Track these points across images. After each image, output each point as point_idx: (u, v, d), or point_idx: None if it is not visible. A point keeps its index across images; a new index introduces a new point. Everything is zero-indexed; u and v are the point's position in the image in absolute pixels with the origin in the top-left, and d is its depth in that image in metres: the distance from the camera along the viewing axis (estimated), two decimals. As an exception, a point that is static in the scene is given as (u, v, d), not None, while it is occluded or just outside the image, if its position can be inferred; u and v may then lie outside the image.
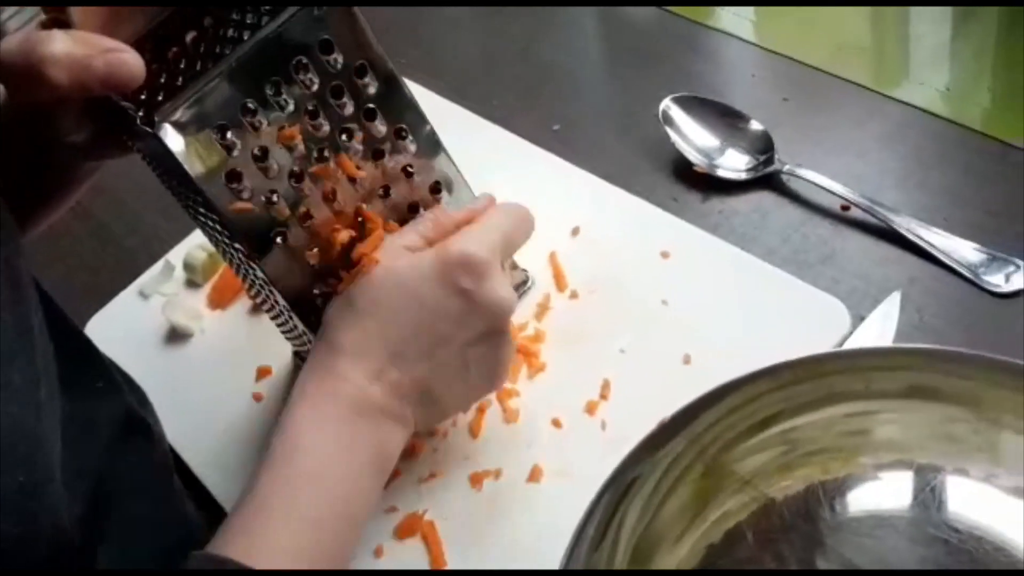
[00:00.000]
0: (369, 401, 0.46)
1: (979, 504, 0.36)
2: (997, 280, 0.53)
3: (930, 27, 0.69)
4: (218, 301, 0.68)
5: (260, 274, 0.48)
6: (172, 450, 0.60)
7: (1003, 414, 0.37)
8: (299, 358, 0.61)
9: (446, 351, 0.47)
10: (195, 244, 0.70)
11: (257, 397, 0.61)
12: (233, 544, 0.41)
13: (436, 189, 0.52)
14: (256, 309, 0.66)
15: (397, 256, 0.47)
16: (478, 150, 0.57)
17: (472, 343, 0.47)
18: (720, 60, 0.73)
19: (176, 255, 0.72)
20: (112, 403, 0.50)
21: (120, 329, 0.70)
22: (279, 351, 0.62)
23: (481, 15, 0.86)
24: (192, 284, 0.70)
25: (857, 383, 0.38)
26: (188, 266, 0.69)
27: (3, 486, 0.34)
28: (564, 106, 0.74)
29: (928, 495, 0.36)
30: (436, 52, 0.84)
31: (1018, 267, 0.53)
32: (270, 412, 0.60)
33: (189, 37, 0.46)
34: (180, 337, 0.67)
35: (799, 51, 0.69)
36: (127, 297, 0.71)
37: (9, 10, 1.03)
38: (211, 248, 0.69)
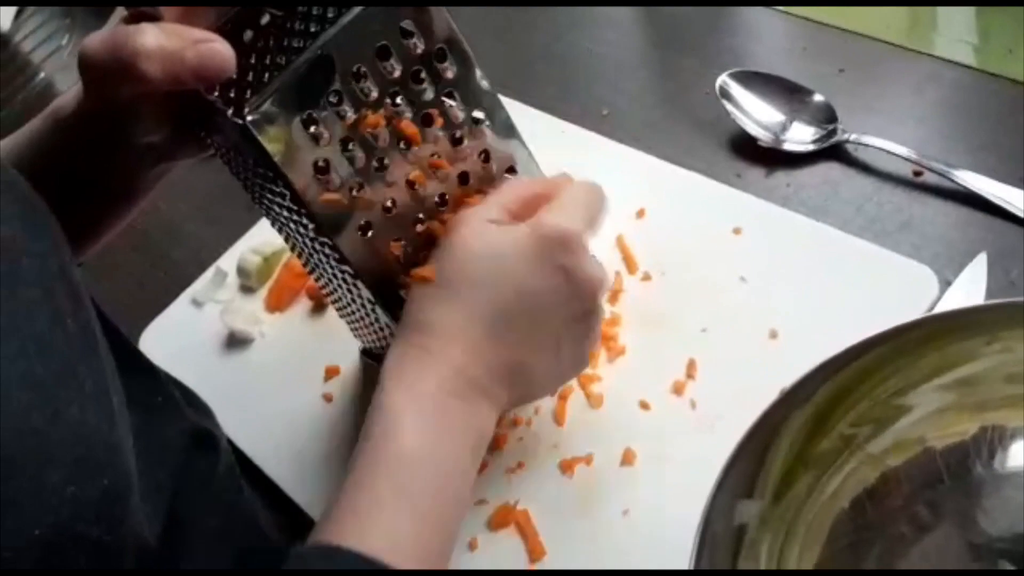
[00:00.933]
0: (465, 380, 0.44)
1: None
2: (1084, 236, 0.52)
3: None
4: (276, 304, 0.66)
5: (344, 267, 0.47)
6: (244, 456, 0.59)
7: None
8: (368, 356, 0.60)
9: (542, 330, 0.46)
10: (247, 248, 0.69)
11: (327, 397, 0.60)
12: (343, 532, 0.40)
13: (512, 172, 0.51)
14: (317, 309, 0.66)
15: (483, 230, 0.45)
16: (530, 138, 0.56)
17: (567, 321, 0.46)
18: (767, 36, 0.72)
19: (226, 261, 0.71)
20: (175, 418, 0.48)
21: (176, 340, 0.69)
22: (345, 350, 0.61)
23: (509, 13, 0.85)
24: (246, 289, 0.69)
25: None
26: (242, 271, 0.68)
27: (87, 491, 0.33)
28: (609, 92, 0.73)
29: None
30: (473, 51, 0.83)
31: (1104, 221, 0.52)
32: (342, 412, 0.59)
33: (256, 33, 0.46)
34: (240, 343, 0.66)
35: (848, 21, 0.69)
36: (180, 307, 0.70)
37: (28, 10, 1.02)
38: (265, 252, 0.68)
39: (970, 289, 0.52)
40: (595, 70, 0.76)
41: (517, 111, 0.71)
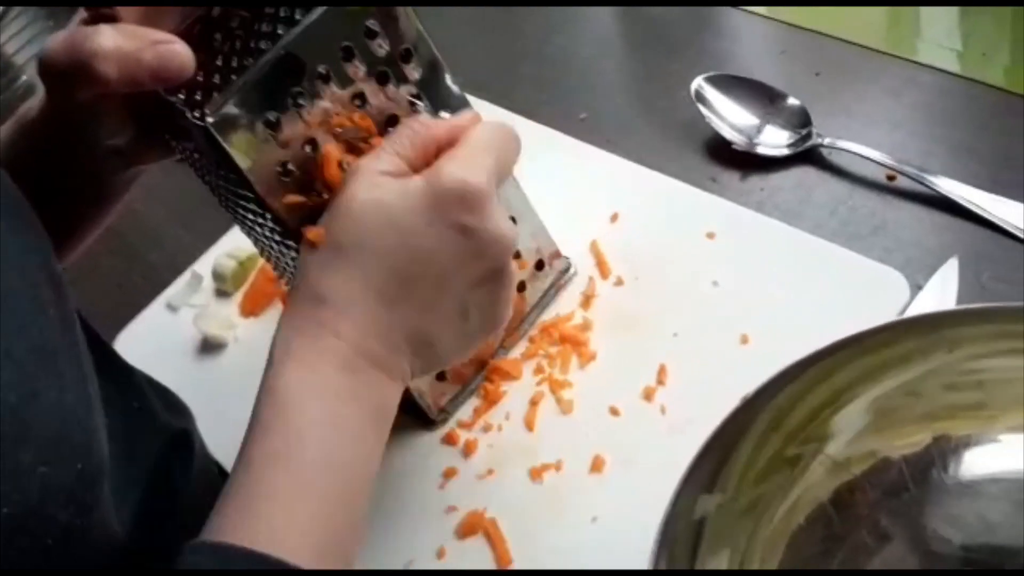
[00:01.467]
0: (362, 355, 0.41)
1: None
2: (1056, 241, 0.52)
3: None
4: (251, 309, 0.66)
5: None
6: (215, 462, 0.59)
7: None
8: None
9: (444, 295, 0.42)
10: (222, 253, 0.69)
11: (300, 403, 0.59)
12: (236, 529, 0.37)
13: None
14: (291, 315, 0.65)
15: (376, 185, 0.41)
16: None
17: (471, 284, 0.43)
18: (746, 39, 0.72)
19: (202, 265, 0.71)
20: (151, 421, 0.48)
21: (150, 343, 0.68)
22: (318, 356, 0.61)
23: (492, 15, 0.85)
24: (222, 293, 0.68)
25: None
26: (217, 275, 0.68)
27: (60, 473, 0.33)
28: (588, 95, 0.73)
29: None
30: (452, 52, 0.83)
31: (1076, 226, 0.52)
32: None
33: (223, 35, 0.45)
34: (214, 347, 0.65)
35: (828, 25, 0.68)
36: (155, 311, 0.70)
37: (14, 10, 1.02)
38: (240, 256, 0.68)
39: (941, 294, 0.51)
40: (576, 73, 0.76)
41: (495, 115, 0.72)
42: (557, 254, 0.58)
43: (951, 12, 0.67)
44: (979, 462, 0.37)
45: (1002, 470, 0.36)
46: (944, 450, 0.36)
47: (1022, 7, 0.64)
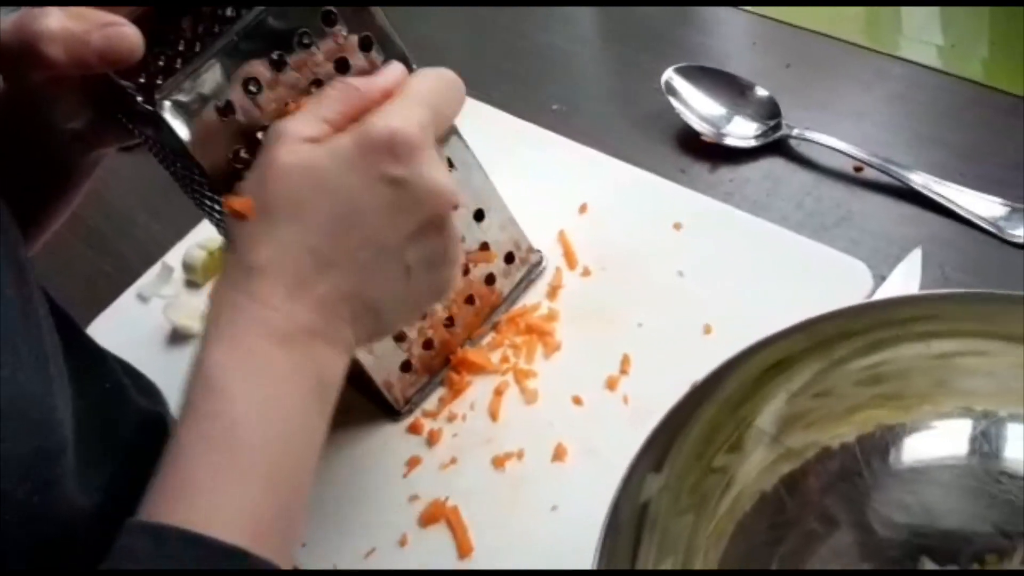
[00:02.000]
0: (297, 325, 0.38)
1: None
2: (1020, 232, 0.52)
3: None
4: (220, 299, 0.66)
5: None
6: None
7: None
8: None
9: (380, 254, 0.40)
10: (193, 244, 0.69)
11: (266, 393, 0.59)
12: (172, 511, 0.35)
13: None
14: (260, 305, 0.65)
15: (297, 149, 0.39)
16: (479, 134, 0.56)
17: (410, 241, 0.41)
18: (719, 32, 0.72)
19: (173, 257, 0.71)
20: (122, 403, 0.48)
21: (120, 333, 0.68)
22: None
23: (465, 10, 0.85)
24: (192, 284, 0.68)
25: (898, 329, 0.37)
26: (187, 266, 0.68)
27: (20, 448, 0.33)
28: (562, 87, 0.73)
29: (980, 443, 0.35)
30: (427, 48, 0.82)
31: (1040, 217, 0.52)
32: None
33: (186, 21, 0.45)
34: (183, 338, 0.65)
35: (799, 18, 0.68)
36: (126, 301, 0.70)
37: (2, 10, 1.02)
38: (210, 247, 0.68)
39: (904, 284, 0.51)
40: (551, 66, 0.76)
41: (467, 107, 0.71)
42: (530, 248, 0.58)
43: (932, 7, 0.67)
44: (918, 449, 0.37)
45: (939, 456, 0.36)
46: (884, 438, 0.36)
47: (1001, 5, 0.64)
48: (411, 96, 0.41)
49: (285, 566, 0.36)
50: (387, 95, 0.41)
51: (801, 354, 0.38)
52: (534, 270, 0.59)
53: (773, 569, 0.38)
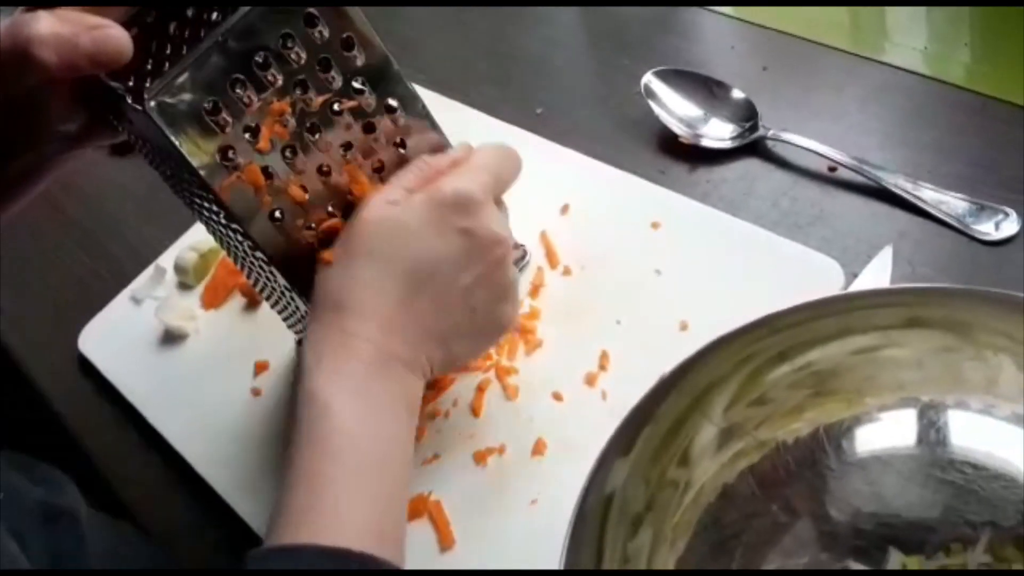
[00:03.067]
0: (386, 355, 0.44)
1: (980, 436, 0.37)
2: (987, 229, 0.53)
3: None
4: (211, 301, 0.67)
5: (258, 254, 0.47)
6: (176, 453, 0.60)
7: (997, 341, 0.37)
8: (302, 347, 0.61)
9: (451, 294, 0.46)
10: (185, 246, 0.70)
11: (256, 392, 0.61)
12: (299, 529, 0.39)
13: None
14: (251, 306, 0.66)
15: (379, 208, 0.46)
16: (464, 137, 0.57)
17: (476, 282, 0.47)
18: (698, 36, 0.74)
19: (166, 259, 0.72)
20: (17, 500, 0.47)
21: (114, 336, 0.70)
22: (276, 345, 0.62)
23: (449, 14, 0.86)
24: (184, 286, 0.70)
25: (853, 321, 0.38)
26: (179, 268, 0.69)
27: None
28: (544, 91, 0.74)
29: (931, 432, 0.36)
30: (410, 50, 0.84)
31: (1007, 215, 0.53)
32: (270, 407, 0.60)
33: (173, 24, 0.46)
34: (175, 339, 0.67)
35: (777, 21, 0.70)
36: (119, 304, 0.71)
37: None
38: (202, 249, 0.69)
39: (874, 281, 0.53)
40: (533, 69, 0.77)
41: (453, 110, 0.73)
42: (516, 244, 0.59)
43: (917, 10, 0.68)
44: (873, 440, 0.38)
45: (897, 445, 0.37)
46: (837, 431, 0.37)
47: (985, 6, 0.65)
48: (474, 164, 0.48)
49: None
50: (455, 165, 0.48)
51: (729, 371, 0.39)
52: (519, 263, 0.60)
53: (734, 569, 0.39)
